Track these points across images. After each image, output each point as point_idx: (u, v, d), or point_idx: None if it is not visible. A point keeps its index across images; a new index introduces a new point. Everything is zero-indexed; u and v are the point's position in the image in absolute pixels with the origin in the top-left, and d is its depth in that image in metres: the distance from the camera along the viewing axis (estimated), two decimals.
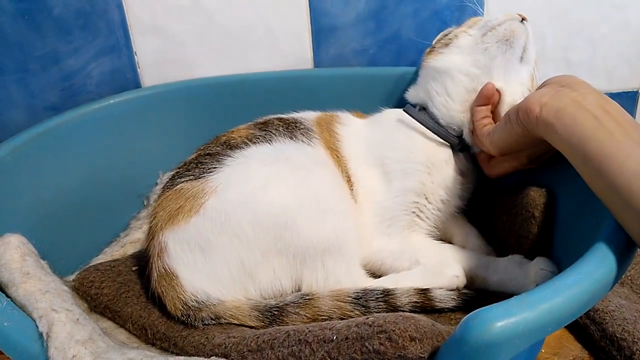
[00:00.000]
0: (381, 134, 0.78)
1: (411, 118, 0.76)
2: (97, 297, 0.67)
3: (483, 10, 1.05)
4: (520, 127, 0.59)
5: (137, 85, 1.00)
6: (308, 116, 0.80)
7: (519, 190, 0.72)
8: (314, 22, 1.01)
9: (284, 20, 1.01)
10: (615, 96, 1.16)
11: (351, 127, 0.80)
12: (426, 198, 0.73)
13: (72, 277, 0.73)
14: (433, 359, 0.44)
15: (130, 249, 0.82)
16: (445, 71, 0.76)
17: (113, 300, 0.66)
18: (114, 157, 0.89)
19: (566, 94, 0.54)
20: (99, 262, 0.77)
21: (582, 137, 0.50)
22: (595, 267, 0.44)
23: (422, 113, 0.77)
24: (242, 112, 0.81)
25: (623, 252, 0.46)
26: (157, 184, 0.94)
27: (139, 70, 0.99)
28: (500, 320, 0.39)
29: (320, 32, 1.02)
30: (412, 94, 0.83)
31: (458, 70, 0.75)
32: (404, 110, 0.77)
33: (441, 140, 0.75)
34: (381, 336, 0.45)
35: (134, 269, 0.73)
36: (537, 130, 0.56)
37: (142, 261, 0.71)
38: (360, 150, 0.77)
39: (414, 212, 0.73)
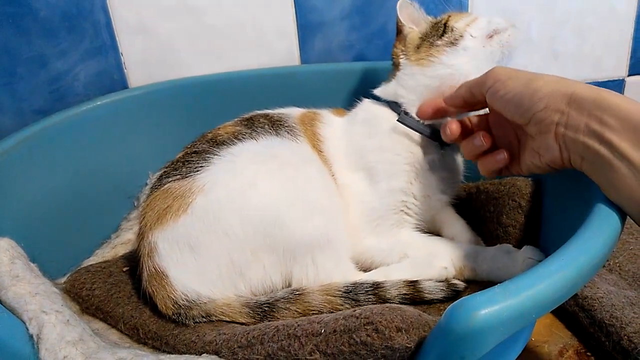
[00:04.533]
0: (364, 136, 0.75)
1: (402, 124, 0.72)
2: (89, 298, 0.67)
3: (468, 2, 1.05)
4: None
5: (124, 86, 0.99)
6: (292, 113, 0.79)
7: (506, 179, 0.72)
8: (299, 18, 1.01)
9: (270, 17, 1.01)
10: (602, 85, 1.17)
11: (332, 127, 0.78)
12: (414, 196, 0.73)
13: (63, 280, 0.73)
14: (420, 349, 0.44)
15: (121, 250, 0.82)
16: (450, 75, 0.70)
17: (104, 302, 0.66)
18: (103, 159, 0.89)
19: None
20: (90, 263, 0.77)
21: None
22: (578, 253, 0.45)
23: (412, 118, 0.72)
24: (231, 110, 0.81)
25: (606, 238, 0.46)
26: (147, 184, 0.94)
27: (125, 71, 0.99)
28: (484, 308, 0.39)
29: (307, 28, 1.02)
30: (390, 92, 0.76)
31: (464, 76, 0.68)
32: (398, 120, 0.72)
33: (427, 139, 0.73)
34: (368, 328, 0.45)
35: (124, 269, 0.73)
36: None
37: (133, 262, 0.71)
38: (343, 153, 0.75)
39: (402, 210, 0.72)
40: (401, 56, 0.77)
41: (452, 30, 0.72)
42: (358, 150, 0.75)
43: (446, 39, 0.72)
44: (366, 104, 0.80)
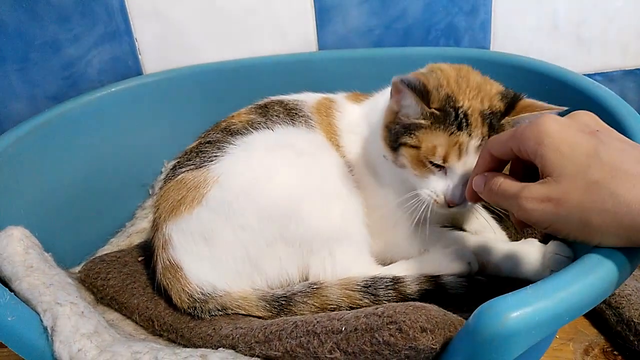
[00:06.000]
0: (369, 141, 0.71)
1: None
2: (103, 288, 0.67)
3: None
4: None
5: (138, 72, 0.98)
6: (307, 100, 0.76)
7: None
8: (317, 2, 0.98)
9: (287, 1, 0.98)
10: (629, 73, 1.12)
11: (348, 117, 0.74)
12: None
13: (78, 269, 0.72)
14: (445, 350, 0.43)
15: (137, 239, 0.81)
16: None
17: (119, 292, 0.66)
18: (117, 146, 0.88)
19: None
20: (105, 252, 0.76)
21: None
22: (614, 251, 0.43)
23: None
24: (247, 96, 0.80)
25: None
26: (162, 172, 0.93)
27: (140, 56, 0.97)
28: (516, 311, 0.37)
29: (324, 12, 0.99)
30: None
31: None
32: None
33: None
34: (391, 327, 0.43)
35: (140, 259, 0.72)
36: None
37: (148, 251, 0.70)
38: (358, 149, 0.71)
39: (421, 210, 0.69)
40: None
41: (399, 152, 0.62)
42: (368, 153, 0.71)
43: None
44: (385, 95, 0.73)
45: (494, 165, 0.52)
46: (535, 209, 0.44)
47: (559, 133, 0.44)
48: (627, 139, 0.45)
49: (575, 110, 0.50)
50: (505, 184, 0.48)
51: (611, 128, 0.46)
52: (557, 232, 0.45)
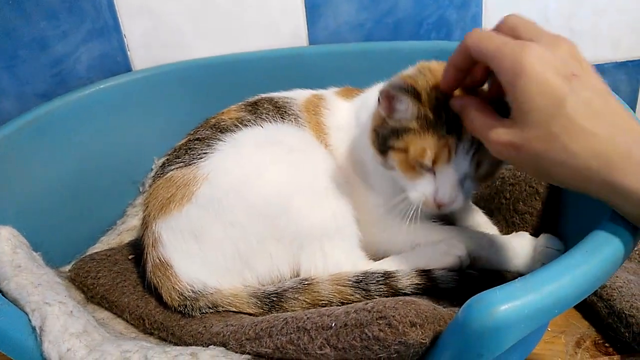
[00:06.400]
0: (359, 140, 0.68)
1: None
2: (94, 287, 0.66)
3: None
4: None
5: (127, 68, 0.97)
6: (297, 98, 0.75)
7: None
8: None
9: None
10: (620, 65, 1.13)
11: (338, 114, 0.73)
12: None
13: (68, 268, 0.72)
14: (435, 345, 0.43)
15: (127, 237, 0.81)
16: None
17: (110, 291, 0.65)
18: (107, 144, 0.88)
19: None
20: (96, 251, 0.76)
21: None
22: (603, 244, 0.43)
23: None
24: (238, 92, 0.79)
25: (631, 228, 0.44)
26: (152, 169, 0.92)
27: (129, 53, 0.96)
28: (504, 304, 0.37)
29: (314, 7, 0.99)
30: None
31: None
32: None
33: None
34: (380, 322, 0.43)
35: (130, 257, 0.72)
36: None
37: (139, 249, 0.70)
38: (347, 150, 0.70)
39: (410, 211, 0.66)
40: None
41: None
42: (357, 151, 0.70)
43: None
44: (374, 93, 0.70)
45: (468, 62, 0.51)
46: (501, 152, 0.48)
47: (537, 73, 0.43)
48: (602, 84, 0.45)
49: None
50: (477, 121, 0.50)
51: (589, 68, 0.46)
52: (522, 171, 0.50)
